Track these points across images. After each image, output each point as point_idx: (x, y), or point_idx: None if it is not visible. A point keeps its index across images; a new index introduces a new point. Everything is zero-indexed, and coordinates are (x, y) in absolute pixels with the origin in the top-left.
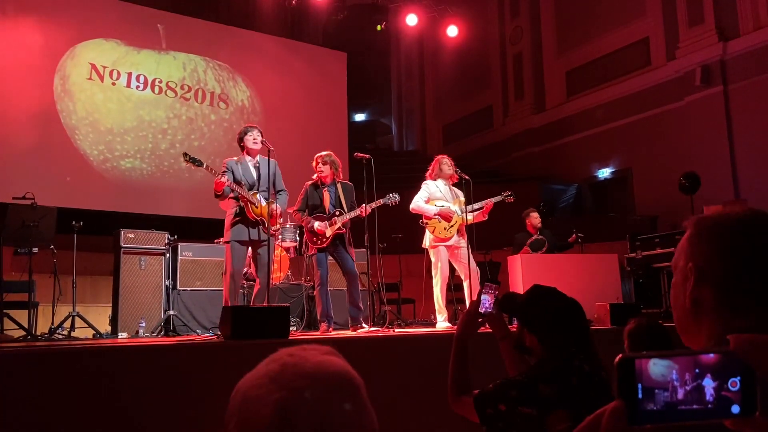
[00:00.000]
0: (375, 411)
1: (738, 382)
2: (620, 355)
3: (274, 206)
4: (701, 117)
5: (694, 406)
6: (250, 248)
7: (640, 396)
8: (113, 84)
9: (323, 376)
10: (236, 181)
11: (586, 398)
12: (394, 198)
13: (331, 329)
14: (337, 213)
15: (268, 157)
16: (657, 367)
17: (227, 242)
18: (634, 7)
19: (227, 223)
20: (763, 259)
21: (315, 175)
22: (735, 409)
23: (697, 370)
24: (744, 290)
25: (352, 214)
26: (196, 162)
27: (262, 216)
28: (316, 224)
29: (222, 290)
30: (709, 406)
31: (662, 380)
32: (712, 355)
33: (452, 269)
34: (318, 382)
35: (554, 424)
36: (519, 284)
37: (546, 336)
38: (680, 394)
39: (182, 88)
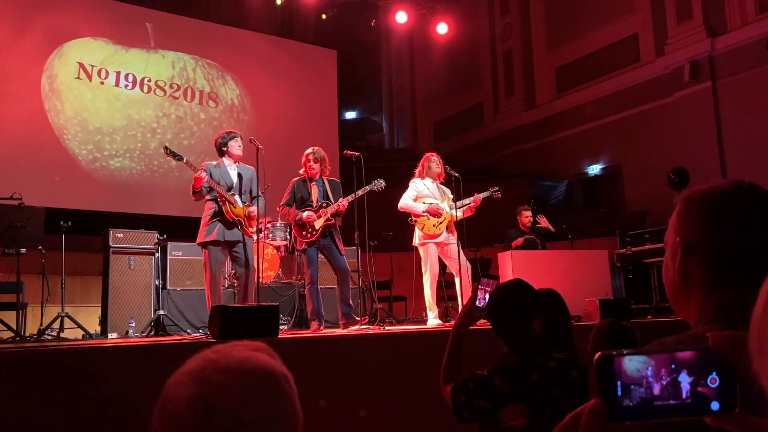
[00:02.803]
0: (369, 408)
1: (717, 379)
2: (599, 354)
3: (251, 209)
4: (690, 113)
5: (671, 402)
6: (229, 249)
7: (618, 393)
8: (102, 83)
9: (243, 371)
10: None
11: (547, 395)
12: (379, 184)
13: (322, 327)
14: (324, 204)
15: (257, 155)
16: (632, 363)
17: (204, 245)
18: (623, 3)
19: (203, 222)
20: (747, 231)
21: (302, 170)
22: (714, 405)
23: (673, 366)
24: (730, 263)
25: (335, 206)
26: (176, 156)
27: (240, 217)
28: (305, 214)
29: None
30: (687, 401)
31: (638, 376)
32: (688, 351)
33: (443, 266)
34: (236, 378)
35: (509, 418)
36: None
37: (504, 334)
38: (656, 390)
39: (171, 86)
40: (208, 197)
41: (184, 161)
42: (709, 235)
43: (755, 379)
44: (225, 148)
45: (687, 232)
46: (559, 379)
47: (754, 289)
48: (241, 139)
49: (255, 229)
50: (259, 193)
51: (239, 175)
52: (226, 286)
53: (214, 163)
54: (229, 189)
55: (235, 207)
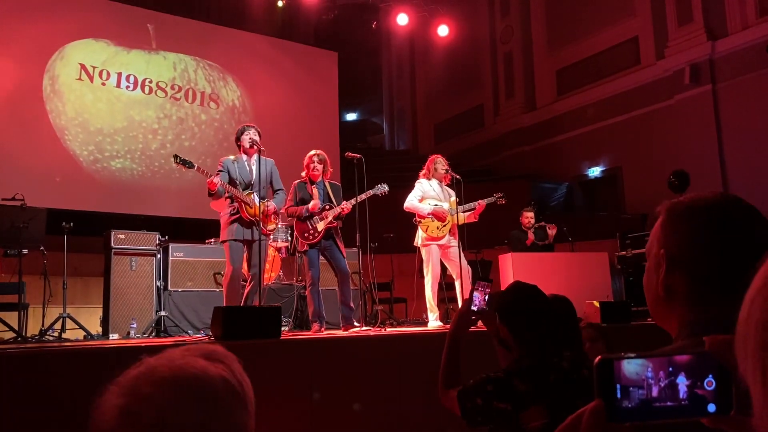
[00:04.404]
0: (371, 409)
1: (713, 382)
2: (599, 356)
3: (267, 204)
4: (690, 115)
5: (669, 404)
6: (247, 248)
7: (618, 395)
8: (103, 84)
9: (175, 382)
10: (232, 181)
11: (564, 395)
12: (382, 188)
13: (323, 329)
14: (327, 207)
15: (259, 155)
16: (632, 366)
17: (225, 241)
18: (624, 6)
19: (223, 222)
20: (731, 245)
21: (303, 173)
22: (711, 407)
23: (671, 369)
24: (713, 277)
25: (338, 209)
26: (187, 164)
27: (257, 216)
28: (310, 204)
29: (215, 291)
30: (684, 403)
31: (637, 378)
32: (686, 355)
33: (444, 268)
34: (167, 389)
35: (529, 420)
36: (510, 282)
37: (521, 334)
38: (654, 392)
39: (172, 88)
40: (226, 194)
41: (196, 168)
42: (695, 248)
43: (742, 382)
44: (239, 143)
45: (671, 244)
46: (573, 379)
47: (739, 302)
48: (256, 131)
49: (272, 226)
50: (281, 186)
51: (258, 170)
52: None
53: (232, 157)
54: (247, 186)
55: (251, 207)
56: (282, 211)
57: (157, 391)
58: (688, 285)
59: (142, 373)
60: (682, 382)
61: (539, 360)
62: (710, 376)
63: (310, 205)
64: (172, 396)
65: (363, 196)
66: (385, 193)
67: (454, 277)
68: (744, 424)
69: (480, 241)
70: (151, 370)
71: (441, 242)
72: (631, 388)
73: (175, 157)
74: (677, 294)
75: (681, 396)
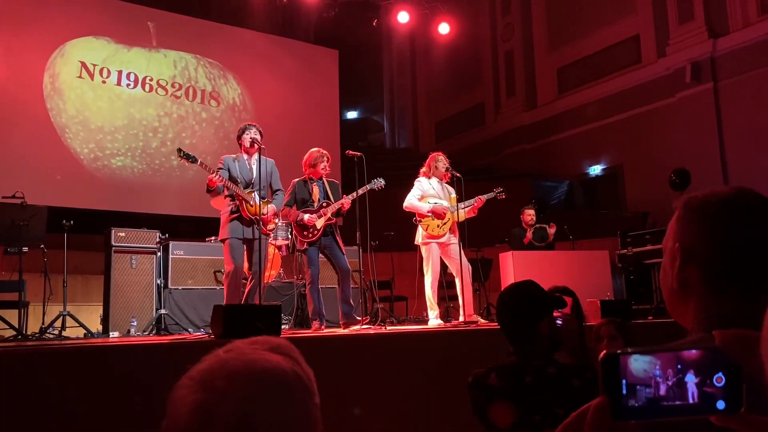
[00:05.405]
0: (370, 408)
1: (723, 378)
2: (604, 351)
3: (266, 209)
4: (692, 114)
5: (677, 402)
6: (247, 247)
7: (624, 392)
8: (103, 82)
9: (249, 376)
10: (232, 178)
11: (539, 400)
12: (379, 182)
13: (323, 327)
14: (325, 204)
15: (260, 154)
16: (638, 363)
17: (224, 240)
18: (625, 4)
19: (223, 220)
20: (746, 239)
21: (310, 170)
22: (720, 404)
23: (679, 366)
24: (730, 271)
25: (337, 204)
26: (190, 158)
27: (257, 215)
28: (306, 216)
29: (216, 289)
30: (692, 401)
31: (644, 376)
32: (694, 351)
33: (444, 266)
34: (241, 383)
35: (497, 416)
36: (510, 281)
37: (509, 334)
38: (662, 390)
39: (173, 86)
40: (225, 192)
41: (198, 163)
42: (710, 242)
43: (766, 384)
44: (240, 141)
45: (686, 238)
46: (556, 386)
47: (754, 297)
48: (257, 131)
49: (271, 226)
50: (280, 186)
51: (258, 169)
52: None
53: (233, 156)
54: (248, 184)
55: (252, 206)
56: (282, 213)
57: (235, 386)
58: (703, 278)
59: (215, 368)
60: (691, 379)
61: (522, 360)
62: (720, 372)
63: (305, 218)
64: (251, 392)
65: (360, 191)
66: (381, 187)
67: (454, 274)
68: (754, 422)
69: (480, 240)
70: (222, 365)
71: (441, 240)
72: (637, 387)
73: (179, 150)
74: (692, 288)
75: (689, 394)
